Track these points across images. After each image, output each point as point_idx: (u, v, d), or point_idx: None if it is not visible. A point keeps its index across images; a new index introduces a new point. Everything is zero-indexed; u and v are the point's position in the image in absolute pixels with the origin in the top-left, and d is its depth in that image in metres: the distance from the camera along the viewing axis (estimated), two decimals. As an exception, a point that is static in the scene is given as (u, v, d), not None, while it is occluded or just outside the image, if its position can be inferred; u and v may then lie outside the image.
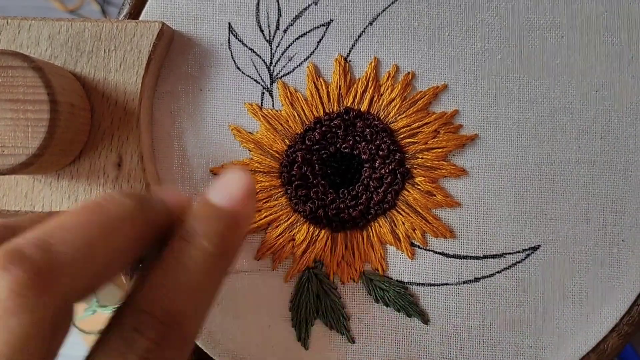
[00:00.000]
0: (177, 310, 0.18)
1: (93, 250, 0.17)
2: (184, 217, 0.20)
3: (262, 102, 0.27)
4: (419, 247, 0.26)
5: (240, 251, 0.22)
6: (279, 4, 0.26)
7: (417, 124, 0.26)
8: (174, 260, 0.19)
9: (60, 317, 0.16)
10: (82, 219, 0.18)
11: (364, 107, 0.26)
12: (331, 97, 0.26)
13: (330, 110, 0.26)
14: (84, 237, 0.17)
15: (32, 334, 0.15)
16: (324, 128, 0.26)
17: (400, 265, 0.26)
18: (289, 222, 0.27)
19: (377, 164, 0.26)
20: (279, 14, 0.26)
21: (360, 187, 0.26)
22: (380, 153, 0.26)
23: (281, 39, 0.26)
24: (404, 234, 0.26)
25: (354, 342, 0.27)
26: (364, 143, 0.26)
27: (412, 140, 0.26)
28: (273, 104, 0.27)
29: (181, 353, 0.18)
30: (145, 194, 0.21)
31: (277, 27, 0.26)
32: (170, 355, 0.17)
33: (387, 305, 0.26)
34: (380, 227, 0.26)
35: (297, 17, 0.26)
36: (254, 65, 0.27)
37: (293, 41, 0.26)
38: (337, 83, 0.26)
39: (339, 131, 0.26)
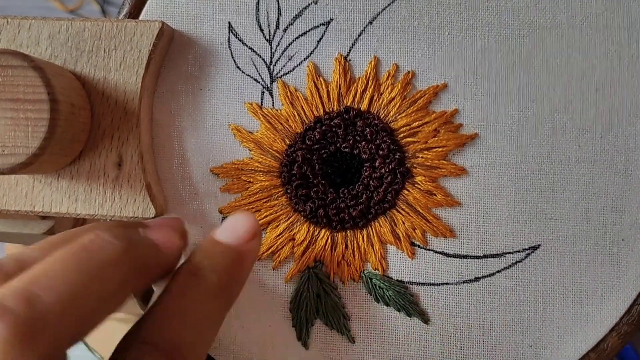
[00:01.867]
0: (180, 342, 0.18)
1: (79, 299, 0.17)
2: (177, 255, 0.21)
3: (262, 102, 0.27)
4: (419, 246, 0.26)
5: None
6: (278, 4, 0.26)
7: (417, 123, 0.26)
8: (180, 292, 0.19)
9: None
10: (67, 266, 0.17)
11: (364, 107, 0.26)
12: (331, 96, 0.26)
13: (330, 109, 0.26)
14: (69, 285, 0.17)
15: None
16: (324, 127, 0.26)
17: (400, 265, 0.26)
18: (289, 221, 0.27)
19: (377, 164, 0.26)
20: (279, 13, 0.26)
21: (361, 187, 0.26)
22: (381, 152, 0.26)
23: (281, 38, 0.26)
24: (404, 233, 0.26)
25: (354, 342, 0.27)
26: (364, 142, 0.26)
27: (412, 139, 0.26)
28: (273, 103, 0.27)
29: None
30: (135, 233, 0.20)
31: (277, 27, 0.26)
32: None
33: (388, 305, 0.26)
34: (381, 226, 0.26)
35: (297, 16, 0.26)
36: (254, 65, 0.27)
37: (293, 40, 0.26)
38: (337, 82, 0.26)
39: (339, 130, 0.26)
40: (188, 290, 0.19)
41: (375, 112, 0.26)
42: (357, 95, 0.26)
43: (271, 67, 0.27)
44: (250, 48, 0.27)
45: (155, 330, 0.18)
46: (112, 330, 0.26)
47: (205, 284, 0.20)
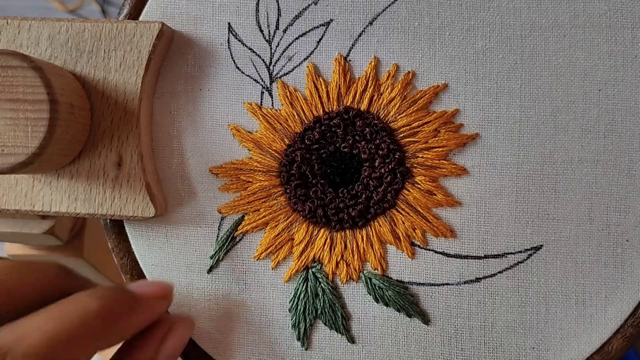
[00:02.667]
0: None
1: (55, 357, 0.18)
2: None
3: (261, 102, 0.27)
4: (419, 246, 0.26)
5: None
6: (278, 4, 0.26)
7: (417, 123, 0.26)
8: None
9: None
10: (48, 327, 0.18)
11: (363, 107, 0.26)
12: (331, 96, 0.26)
13: (330, 109, 0.26)
14: (47, 347, 0.18)
15: None
16: (323, 127, 0.26)
17: (400, 265, 0.26)
18: (287, 221, 0.27)
19: (376, 163, 0.26)
20: (279, 14, 0.26)
21: (360, 187, 0.26)
22: (380, 152, 0.26)
23: (281, 39, 0.26)
24: (404, 233, 0.26)
25: (353, 342, 0.27)
26: (363, 142, 0.26)
27: (412, 139, 0.26)
28: (272, 103, 0.27)
29: None
30: (119, 296, 0.21)
31: (277, 27, 0.26)
32: None
33: (387, 305, 0.26)
34: (380, 226, 0.26)
35: (296, 17, 0.26)
36: (253, 65, 0.27)
37: (293, 41, 0.26)
38: (336, 82, 0.26)
39: (338, 130, 0.26)
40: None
41: (375, 112, 0.26)
42: (357, 96, 0.26)
43: (271, 67, 0.27)
44: (250, 48, 0.27)
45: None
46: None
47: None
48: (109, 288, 0.21)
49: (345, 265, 0.26)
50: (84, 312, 0.19)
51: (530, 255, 0.25)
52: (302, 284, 0.26)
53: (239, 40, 0.27)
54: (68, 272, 0.22)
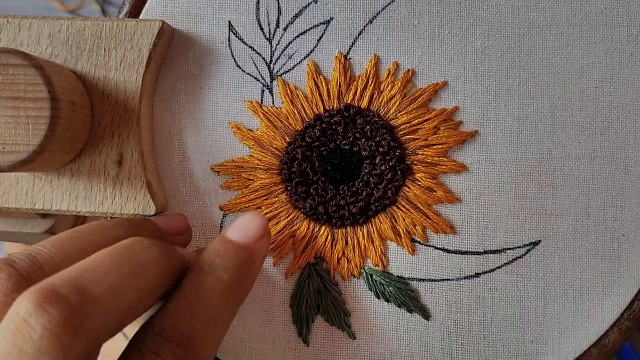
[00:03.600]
0: (194, 335, 0.19)
1: (123, 292, 0.18)
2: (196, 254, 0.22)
3: (262, 100, 0.27)
4: (419, 242, 0.26)
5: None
6: (279, 3, 0.26)
7: (417, 120, 0.26)
8: (193, 289, 0.21)
9: (89, 354, 0.17)
10: (114, 262, 0.19)
11: (364, 104, 0.26)
12: (331, 94, 0.26)
13: (331, 107, 0.26)
14: (115, 279, 0.18)
15: None
16: (324, 125, 0.26)
17: (400, 261, 0.26)
18: (289, 218, 0.27)
19: (377, 161, 0.26)
20: (279, 12, 0.26)
21: (361, 184, 0.26)
22: (381, 149, 0.26)
23: (281, 37, 0.27)
24: (404, 229, 0.26)
25: (354, 338, 0.27)
26: (364, 140, 0.26)
27: (412, 136, 0.26)
28: (273, 101, 0.27)
29: None
30: (167, 245, 0.22)
31: (277, 25, 0.27)
32: None
33: (388, 301, 0.26)
34: (381, 223, 0.26)
35: (297, 15, 0.26)
36: (254, 63, 0.27)
37: (293, 39, 0.26)
38: (337, 80, 0.26)
39: (339, 128, 0.26)
40: (201, 287, 0.20)
41: (375, 109, 0.26)
42: (357, 93, 0.26)
43: (271, 65, 0.27)
44: (251, 47, 0.27)
45: (170, 324, 0.19)
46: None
47: (216, 281, 0.21)
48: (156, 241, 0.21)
49: (346, 262, 0.27)
50: (145, 261, 0.20)
51: (529, 250, 0.26)
52: (303, 280, 0.27)
53: (240, 39, 0.27)
54: (160, 230, 0.24)
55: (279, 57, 0.27)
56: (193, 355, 0.19)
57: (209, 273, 0.21)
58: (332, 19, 0.26)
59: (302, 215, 0.27)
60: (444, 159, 0.26)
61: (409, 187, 0.26)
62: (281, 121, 0.27)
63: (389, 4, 0.26)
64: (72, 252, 0.20)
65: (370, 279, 0.26)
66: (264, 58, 0.27)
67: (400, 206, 0.26)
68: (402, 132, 0.26)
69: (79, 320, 0.16)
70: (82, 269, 0.18)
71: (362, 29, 0.26)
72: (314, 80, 0.26)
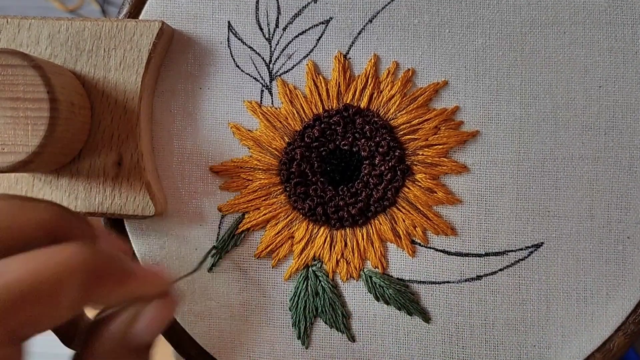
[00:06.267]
0: None
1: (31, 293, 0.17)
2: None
3: (261, 100, 0.27)
4: (419, 244, 0.26)
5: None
6: (278, 3, 0.26)
7: (417, 120, 0.26)
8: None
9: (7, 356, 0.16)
10: (23, 270, 0.17)
11: (363, 104, 0.26)
12: (330, 94, 0.26)
13: (330, 107, 0.26)
14: (16, 291, 0.17)
15: None
16: (323, 125, 0.26)
17: (400, 263, 0.26)
18: (288, 219, 0.27)
19: (376, 161, 0.26)
20: (279, 12, 0.26)
21: (360, 184, 0.26)
22: (380, 150, 0.26)
23: (280, 37, 0.26)
24: (404, 231, 0.26)
25: (354, 341, 0.26)
26: (363, 140, 0.26)
27: (413, 136, 0.26)
28: (272, 101, 0.27)
29: None
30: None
31: (277, 25, 0.26)
32: None
33: (388, 304, 0.26)
34: (381, 224, 0.26)
35: (296, 15, 0.26)
36: (253, 64, 0.27)
37: (292, 39, 0.26)
38: (336, 80, 0.26)
39: (338, 128, 0.26)
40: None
41: (375, 109, 0.26)
42: (357, 93, 0.26)
43: (270, 65, 0.27)
44: (250, 47, 0.27)
45: None
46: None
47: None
48: (102, 248, 0.19)
49: (345, 264, 0.26)
50: (66, 263, 0.17)
51: (531, 252, 0.25)
52: (302, 282, 0.26)
53: (239, 39, 0.27)
54: (69, 214, 0.20)
55: (278, 57, 0.27)
56: None
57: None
58: (331, 18, 0.26)
59: (301, 216, 0.26)
60: (444, 159, 0.26)
61: (409, 188, 0.26)
62: (280, 121, 0.27)
63: (388, 3, 0.26)
64: None
65: (369, 281, 0.26)
66: (263, 58, 0.27)
67: (400, 207, 0.26)
68: (402, 132, 0.26)
69: None
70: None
71: (362, 29, 0.26)
72: (313, 80, 0.26)
